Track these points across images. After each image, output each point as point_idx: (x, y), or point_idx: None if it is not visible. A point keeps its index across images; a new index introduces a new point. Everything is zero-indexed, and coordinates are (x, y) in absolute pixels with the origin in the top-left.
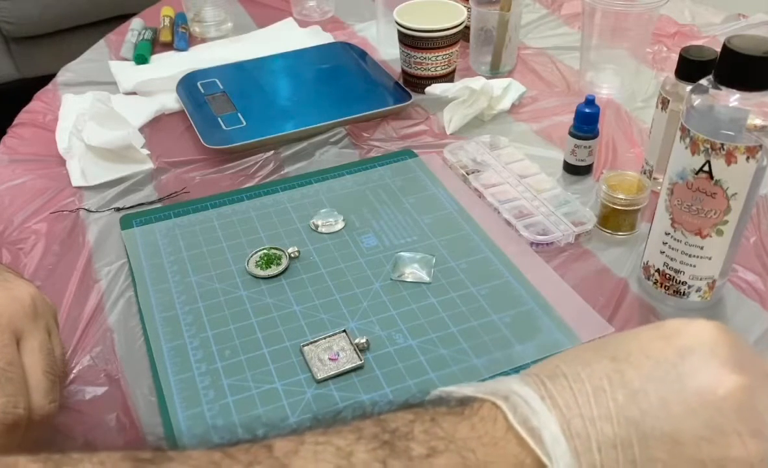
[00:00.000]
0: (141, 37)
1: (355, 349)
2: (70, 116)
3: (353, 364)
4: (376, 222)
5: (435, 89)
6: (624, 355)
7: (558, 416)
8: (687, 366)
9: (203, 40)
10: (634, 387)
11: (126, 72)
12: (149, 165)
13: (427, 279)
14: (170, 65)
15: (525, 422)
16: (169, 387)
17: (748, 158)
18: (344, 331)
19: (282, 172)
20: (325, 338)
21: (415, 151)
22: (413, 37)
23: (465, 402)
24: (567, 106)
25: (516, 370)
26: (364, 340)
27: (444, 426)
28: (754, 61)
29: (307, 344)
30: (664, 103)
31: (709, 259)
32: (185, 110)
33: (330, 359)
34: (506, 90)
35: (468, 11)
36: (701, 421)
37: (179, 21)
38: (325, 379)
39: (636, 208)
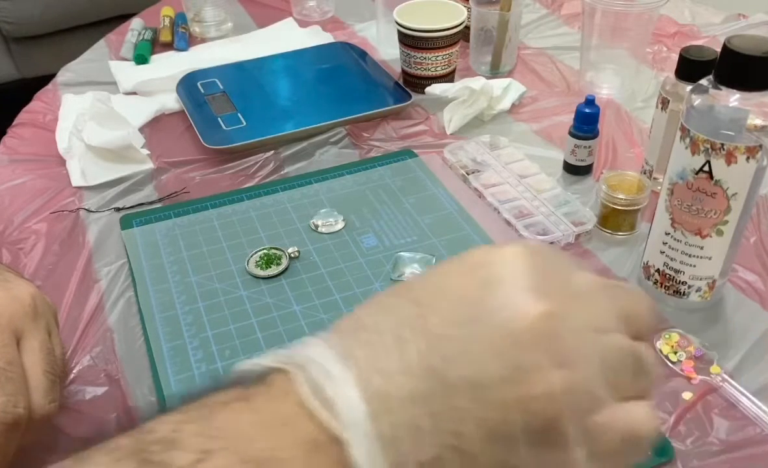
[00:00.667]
0: (141, 37)
1: None
2: (70, 116)
3: None
4: (376, 222)
5: (435, 89)
6: (427, 297)
7: (356, 376)
8: (490, 301)
9: (203, 40)
10: (435, 332)
11: (126, 72)
12: (149, 165)
13: None
14: (170, 65)
15: (319, 392)
16: (169, 387)
17: (748, 158)
18: None
19: (282, 172)
20: None
21: (415, 151)
22: (413, 37)
23: (263, 377)
24: (567, 106)
25: None
26: None
27: (220, 419)
28: (754, 61)
29: None
30: (664, 103)
31: (709, 259)
32: (185, 110)
33: None
34: (506, 90)
35: (468, 11)
36: (504, 361)
37: (179, 21)
38: None
39: (636, 208)
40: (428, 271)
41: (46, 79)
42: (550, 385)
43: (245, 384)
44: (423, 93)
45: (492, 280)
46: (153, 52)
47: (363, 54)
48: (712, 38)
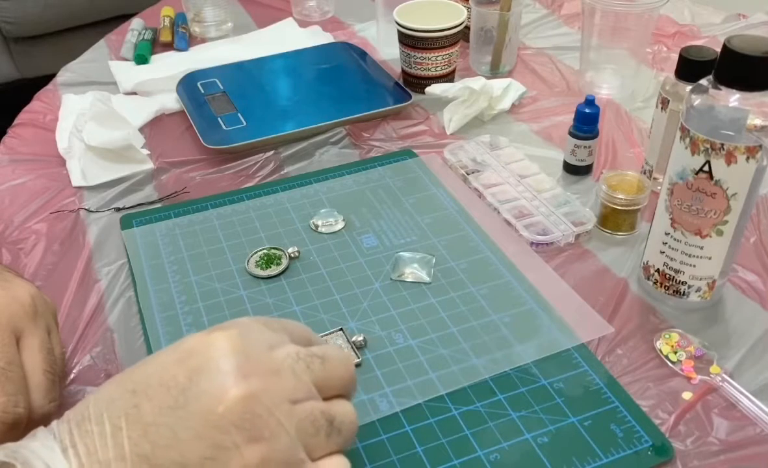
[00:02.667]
0: (141, 37)
1: (352, 347)
2: (70, 116)
3: None
4: (376, 222)
5: (435, 89)
6: (143, 386)
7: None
8: (194, 389)
9: (203, 40)
10: (146, 421)
11: (126, 72)
12: (149, 165)
13: (427, 279)
14: (170, 65)
15: None
16: None
17: (748, 158)
18: (341, 329)
19: (282, 172)
20: (322, 337)
21: (415, 151)
22: (413, 37)
23: None
24: (567, 106)
25: (516, 371)
26: (361, 338)
27: None
28: (754, 61)
29: None
30: (664, 103)
31: (709, 259)
32: (185, 110)
33: None
34: (506, 90)
35: (468, 11)
36: (206, 442)
37: (179, 21)
38: None
39: (636, 208)
40: (147, 359)
41: (46, 79)
42: (245, 460)
43: None
44: (423, 93)
45: (199, 367)
46: (153, 52)
47: (363, 54)
48: (712, 38)
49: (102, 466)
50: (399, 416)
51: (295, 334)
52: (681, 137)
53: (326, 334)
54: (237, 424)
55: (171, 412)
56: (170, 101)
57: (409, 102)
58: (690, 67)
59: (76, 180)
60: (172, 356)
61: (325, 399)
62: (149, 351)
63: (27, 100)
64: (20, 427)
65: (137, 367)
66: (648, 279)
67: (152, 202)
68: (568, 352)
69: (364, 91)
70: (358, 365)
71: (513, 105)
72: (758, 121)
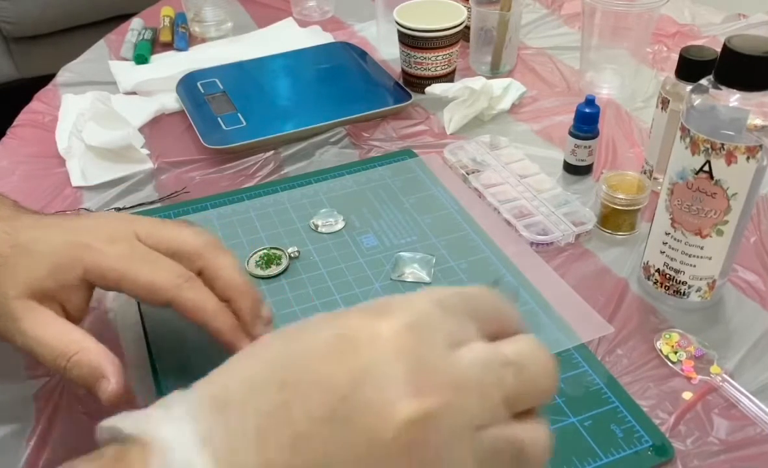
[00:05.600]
0: (141, 37)
1: None
2: (70, 116)
3: None
4: (376, 222)
5: (435, 89)
6: (294, 378)
7: (211, 466)
8: (357, 397)
9: (203, 40)
10: (298, 429)
11: (126, 72)
12: (149, 165)
13: (427, 279)
14: (170, 65)
15: None
16: (169, 387)
17: (748, 158)
18: None
19: (282, 172)
20: None
21: (415, 151)
22: (413, 37)
23: (122, 447)
24: (567, 106)
25: None
26: None
27: None
28: (754, 61)
29: None
30: (664, 103)
31: (709, 259)
32: (185, 110)
33: None
34: (506, 90)
35: (468, 11)
36: None
37: (179, 21)
38: None
39: (636, 208)
40: (296, 337)
41: (46, 79)
42: None
43: (111, 447)
44: (423, 93)
45: (362, 370)
46: (153, 52)
47: (363, 54)
48: (712, 38)
49: None
50: None
51: (481, 313)
52: (681, 137)
53: None
54: (404, 456)
55: (327, 425)
56: (170, 101)
57: (409, 102)
58: (690, 67)
59: (76, 180)
60: (330, 341)
61: (514, 415)
62: (149, 350)
63: (27, 100)
64: (198, 280)
65: (287, 351)
66: (648, 279)
67: (152, 202)
68: (568, 352)
69: (364, 91)
70: None
71: (513, 105)
72: (758, 121)
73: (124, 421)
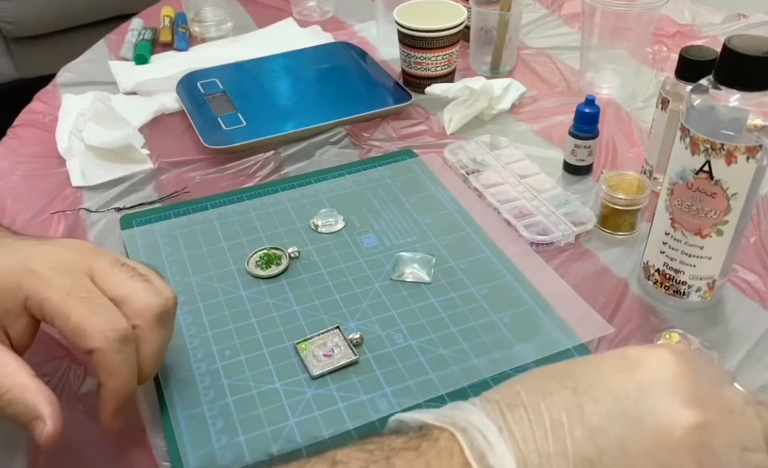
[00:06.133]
0: (141, 37)
1: (349, 345)
2: (70, 116)
3: (348, 360)
4: (376, 222)
5: (435, 89)
6: (585, 387)
7: (514, 451)
8: (647, 403)
9: (203, 40)
10: (592, 423)
11: (126, 72)
12: (149, 165)
13: (427, 279)
14: (170, 65)
15: (482, 459)
16: (169, 387)
17: (748, 158)
18: (337, 327)
19: (282, 172)
20: (318, 335)
21: (415, 151)
22: (413, 37)
23: (424, 430)
24: (567, 106)
25: (516, 371)
26: (357, 336)
27: (398, 466)
28: (754, 61)
29: (301, 342)
30: (664, 103)
31: (709, 259)
32: (185, 110)
33: (324, 355)
34: (506, 90)
35: (468, 11)
36: (657, 464)
37: (179, 21)
38: (321, 375)
39: (636, 208)
40: (583, 360)
41: (46, 79)
42: None
43: (405, 433)
44: (423, 93)
45: (650, 382)
46: (153, 52)
47: (363, 54)
48: (712, 38)
49: (539, 456)
50: None
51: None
52: (681, 137)
53: (323, 333)
54: (691, 454)
55: (620, 422)
56: (170, 101)
57: (409, 102)
58: (690, 67)
59: (76, 180)
60: (614, 363)
61: None
62: None
63: (27, 100)
64: (131, 339)
65: (573, 367)
66: (648, 279)
67: (152, 202)
68: (568, 352)
69: (364, 91)
70: (355, 363)
71: (513, 105)
72: (758, 121)
73: (422, 415)
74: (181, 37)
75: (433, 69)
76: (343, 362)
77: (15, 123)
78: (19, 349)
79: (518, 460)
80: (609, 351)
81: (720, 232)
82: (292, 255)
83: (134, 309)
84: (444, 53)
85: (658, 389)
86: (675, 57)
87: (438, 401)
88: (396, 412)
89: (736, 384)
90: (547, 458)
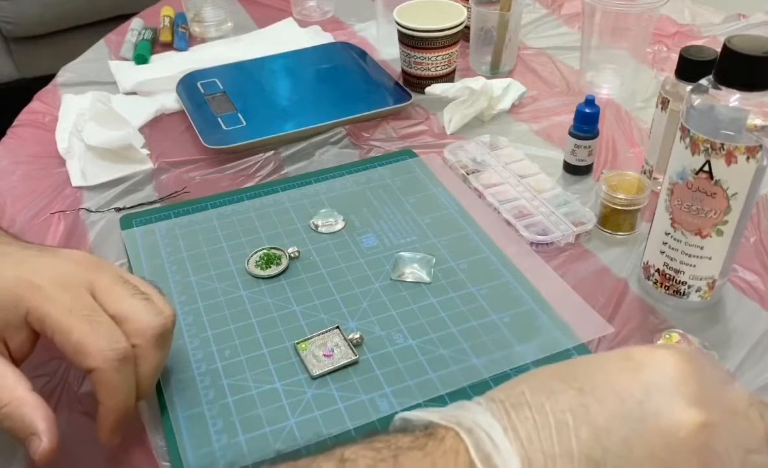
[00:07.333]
0: (141, 37)
1: (349, 345)
2: (70, 116)
3: (348, 360)
4: (376, 222)
5: (435, 89)
6: (590, 387)
7: (520, 452)
8: (652, 404)
9: (203, 40)
10: (597, 424)
11: (126, 72)
12: (149, 165)
13: (427, 279)
14: (170, 65)
15: (487, 460)
16: (169, 387)
17: (748, 158)
18: (337, 327)
19: (282, 172)
20: (318, 335)
21: (415, 151)
22: (413, 37)
23: (430, 429)
24: (567, 106)
25: (517, 371)
26: (357, 336)
27: (405, 463)
28: (754, 61)
29: (301, 342)
30: (664, 103)
31: (709, 259)
32: (185, 110)
33: (324, 355)
34: (506, 90)
35: (468, 11)
36: (661, 465)
37: (179, 21)
38: (321, 375)
39: (636, 208)
40: (587, 360)
41: (46, 79)
42: None
43: (411, 432)
44: (423, 93)
45: (655, 383)
46: (153, 52)
47: (363, 54)
48: (712, 38)
49: (545, 458)
50: None
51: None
52: (681, 137)
53: (323, 333)
54: (695, 454)
55: (625, 423)
56: (170, 101)
57: (409, 102)
58: (690, 67)
59: (76, 180)
60: (619, 364)
61: None
62: None
63: (27, 100)
64: (131, 359)
65: (577, 367)
66: (648, 279)
67: (152, 202)
68: (568, 352)
69: (364, 91)
70: (355, 363)
71: (513, 105)
72: (758, 121)
73: (428, 414)
74: (181, 37)
75: (433, 69)
76: (343, 362)
77: (15, 123)
78: (17, 361)
79: (523, 460)
80: (613, 350)
81: (720, 232)
82: (292, 255)
83: (135, 328)
84: (444, 53)
85: (662, 390)
86: (675, 57)
87: (438, 401)
88: (397, 412)
89: (737, 384)
90: (552, 459)
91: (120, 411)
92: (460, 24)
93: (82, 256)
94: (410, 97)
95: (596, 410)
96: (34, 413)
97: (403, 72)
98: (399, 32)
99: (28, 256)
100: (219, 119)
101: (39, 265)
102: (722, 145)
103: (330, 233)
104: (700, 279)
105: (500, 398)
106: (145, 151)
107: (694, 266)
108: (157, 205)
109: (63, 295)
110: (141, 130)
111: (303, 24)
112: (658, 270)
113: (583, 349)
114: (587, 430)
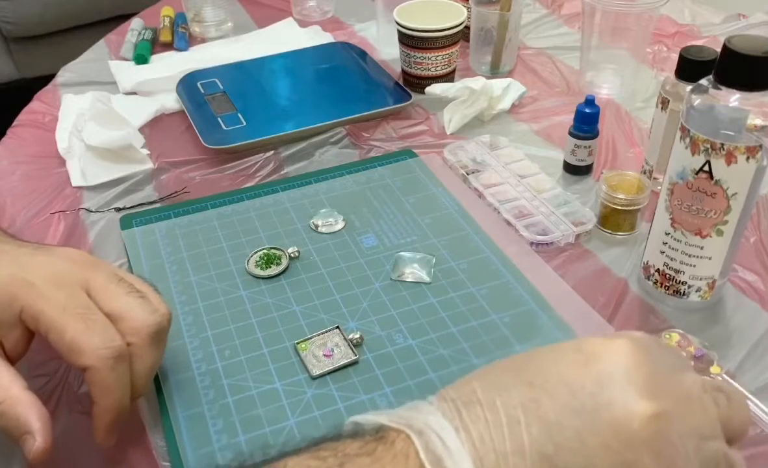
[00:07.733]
0: (141, 37)
1: (349, 345)
2: (70, 116)
3: (348, 360)
4: (376, 222)
5: (435, 89)
6: (541, 381)
7: (471, 452)
8: (604, 396)
9: (203, 40)
10: (549, 419)
11: (126, 72)
12: (149, 165)
13: (427, 279)
14: (170, 65)
15: (438, 462)
16: (169, 387)
17: (748, 158)
18: (337, 327)
19: (282, 172)
20: (319, 335)
21: (415, 151)
22: (413, 37)
23: (381, 433)
24: (567, 106)
25: None
26: (357, 336)
27: None
28: (754, 61)
29: (301, 342)
30: (664, 103)
31: (709, 259)
32: (185, 110)
33: (324, 355)
34: (506, 90)
35: (468, 11)
36: (613, 457)
37: (179, 21)
38: (321, 375)
39: (636, 208)
40: (540, 352)
41: (46, 79)
42: None
43: (361, 436)
44: (423, 93)
45: (607, 374)
46: (153, 52)
47: (363, 54)
48: (712, 38)
49: (497, 456)
50: None
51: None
52: (681, 137)
53: (323, 333)
54: (648, 445)
55: (576, 416)
56: (170, 101)
57: (409, 102)
58: (690, 67)
59: (76, 180)
60: (572, 356)
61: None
62: None
63: (27, 100)
64: (126, 357)
65: (529, 361)
66: (648, 279)
67: (152, 202)
68: None
69: (364, 91)
70: (355, 363)
71: (513, 105)
72: (758, 121)
73: (378, 417)
74: (181, 37)
75: (433, 69)
76: (343, 362)
77: (15, 123)
78: (12, 359)
79: (475, 461)
80: (567, 342)
81: (720, 232)
82: (292, 255)
83: (130, 326)
84: (444, 53)
85: (614, 381)
86: (675, 57)
87: None
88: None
89: (692, 370)
90: (504, 457)
91: (115, 410)
92: (460, 24)
93: (77, 255)
94: (410, 97)
95: (548, 404)
96: (29, 412)
97: (403, 72)
98: (399, 32)
99: (23, 254)
100: (219, 119)
101: (33, 263)
102: (722, 145)
103: (330, 233)
104: (700, 279)
105: (452, 397)
106: (145, 151)
107: (694, 266)
108: (157, 205)
109: (57, 293)
110: (141, 130)
111: (303, 24)
112: (658, 270)
113: None
114: (538, 426)
